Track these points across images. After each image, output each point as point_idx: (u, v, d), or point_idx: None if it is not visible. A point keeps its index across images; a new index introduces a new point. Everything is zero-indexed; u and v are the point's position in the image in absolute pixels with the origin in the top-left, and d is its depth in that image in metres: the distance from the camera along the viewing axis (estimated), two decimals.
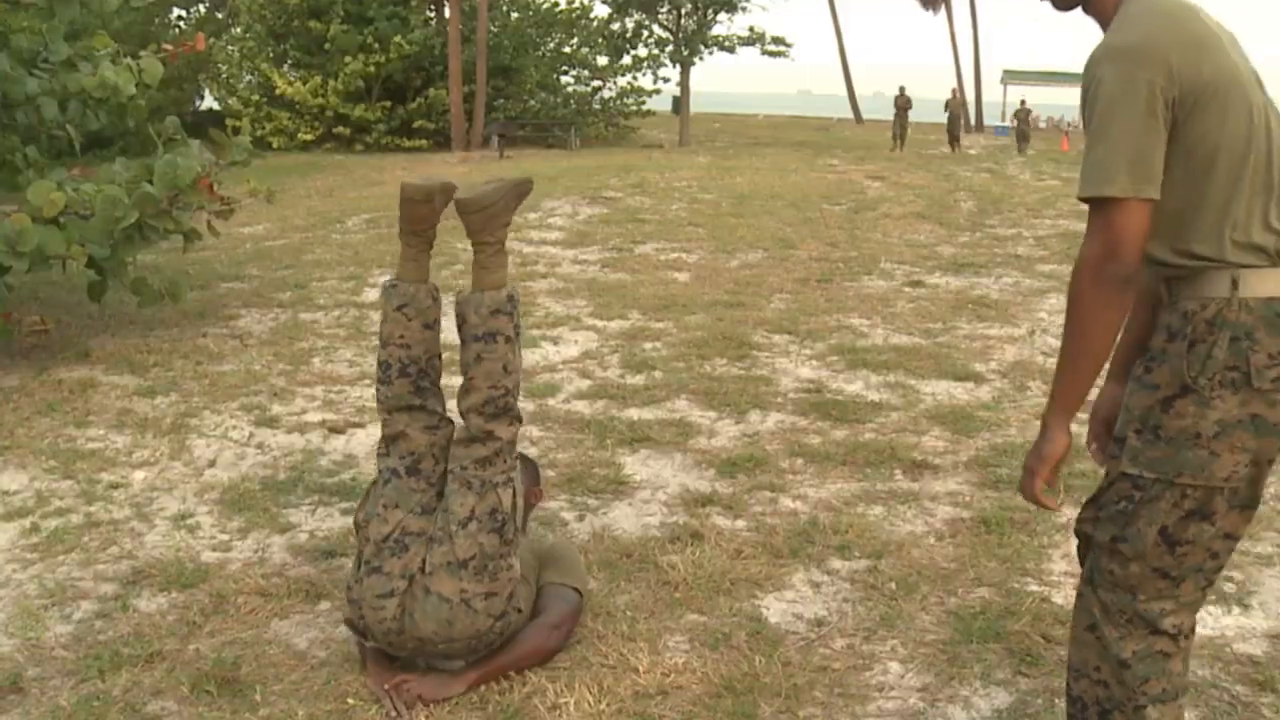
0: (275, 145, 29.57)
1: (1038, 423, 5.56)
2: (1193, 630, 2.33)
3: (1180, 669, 2.30)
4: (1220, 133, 2.10)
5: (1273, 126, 2.15)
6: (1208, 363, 2.13)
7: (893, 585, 3.69)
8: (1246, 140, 2.11)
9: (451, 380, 3.36)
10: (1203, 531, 2.19)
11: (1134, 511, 2.24)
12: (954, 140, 31.09)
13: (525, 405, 5.68)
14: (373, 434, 5.23)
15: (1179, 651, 2.29)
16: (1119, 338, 2.21)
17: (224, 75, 32.06)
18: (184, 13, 37.77)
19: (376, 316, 7.68)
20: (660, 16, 33.35)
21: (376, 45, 29.99)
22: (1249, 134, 2.11)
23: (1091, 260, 2.14)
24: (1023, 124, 35.25)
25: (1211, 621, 3.49)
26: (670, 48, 33.50)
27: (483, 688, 3.02)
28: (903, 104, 31.98)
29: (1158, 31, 2.09)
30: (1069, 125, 48.18)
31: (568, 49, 34.91)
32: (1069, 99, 54.68)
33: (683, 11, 33.08)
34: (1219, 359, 2.12)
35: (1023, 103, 38.36)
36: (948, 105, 32.12)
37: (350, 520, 4.22)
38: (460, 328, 3.13)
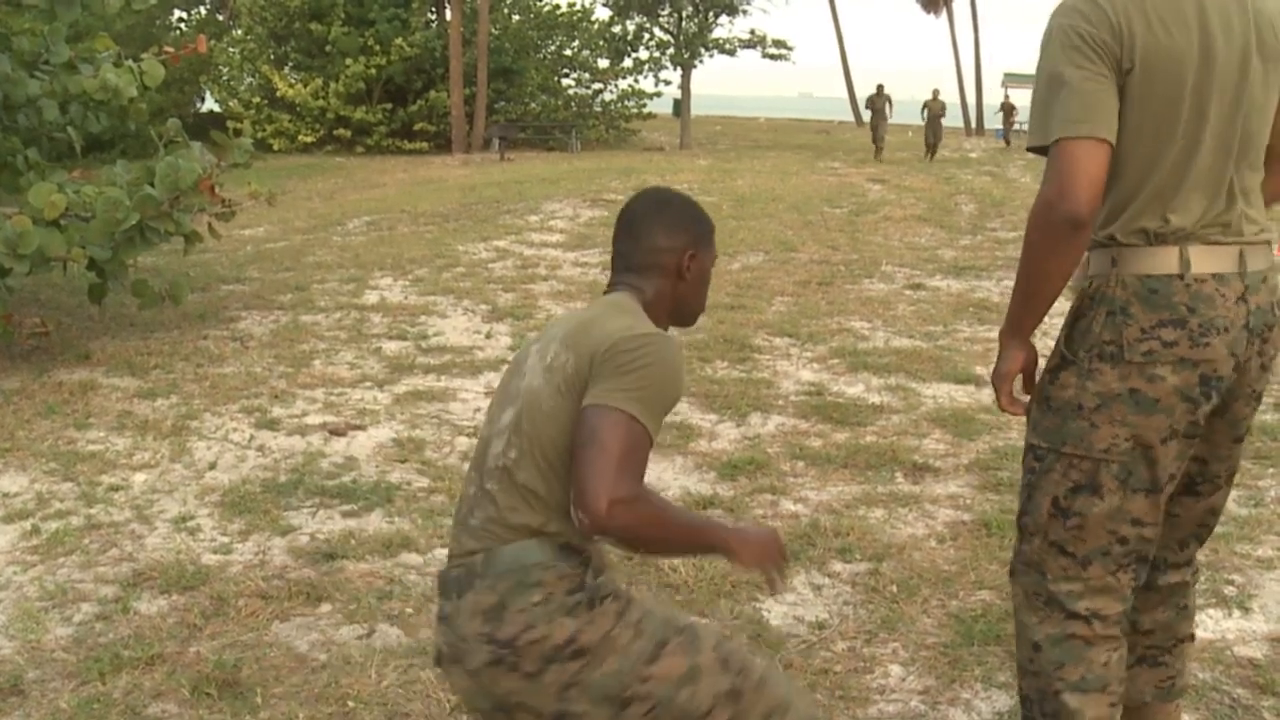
0: (276, 147, 29.59)
1: None
2: (1118, 621, 2.30)
3: (1105, 660, 2.28)
4: (1137, 116, 2.08)
5: (1223, 116, 2.08)
6: (1086, 336, 2.18)
7: (894, 588, 3.69)
8: (1166, 129, 2.08)
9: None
10: (1091, 505, 2.21)
11: (1034, 483, 2.30)
12: (931, 146, 26.85)
13: None
14: (373, 436, 5.24)
15: (1100, 640, 2.28)
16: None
17: (225, 77, 32.08)
18: (185, 15, 37.81)
19: (376, 318, 7.70)
20: (661, 19, 33.36)
21: (377, 47, 30.00)
22: (1170, 123, 2.08)
23: (1042, 202, 2.08)
24: (1006, 121, 35.38)
25: (1212, 624, 3.48)
26: (671, 50, 33.51)
27: None
28: (878, 105, 28.27)
29: None
30: None
31: (569, 51, 34.94)
32: None
33: (684, 14, 33.10)
34: (1095, 333, 2.16)
35: (1006, 98, 38.44)
36: (926, 107, 27.76)
37: (349, 522, 4.22)
38: None
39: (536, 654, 1.96)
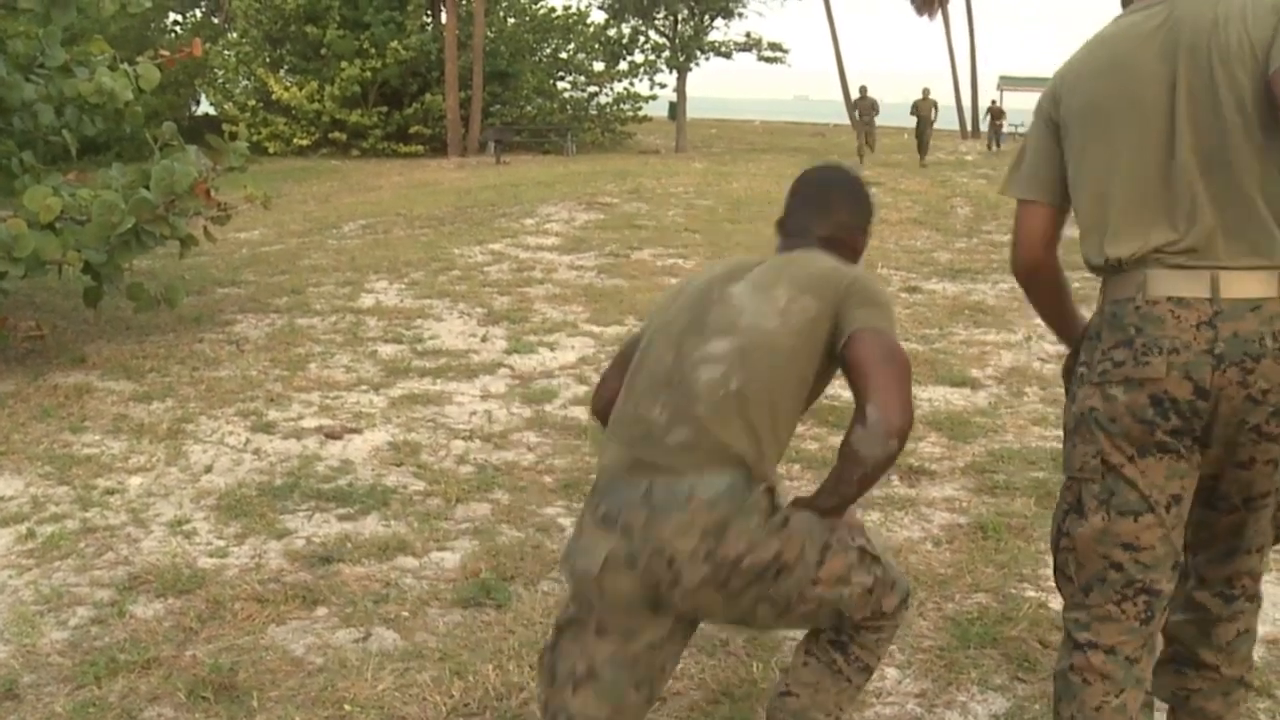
0: (271, 150, 29.57)
1: (1035, 428, 5.60)
2: (1125, 660, 2.23)
3: (1099, 705, 2.23)
4: (1081, 160, 2.25)
5: (1175, 156, 2.12)
6: (1076, 363, 2.31)
7: None
8: (1106, 170, 2.20)
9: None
10: (1077, 526, 2.24)
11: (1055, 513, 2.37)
12: (922, 148, 25.65)
13: (521, 411, 5.69)
14: (369, 439, 5.23)
15: (1097, 680, 2.24)
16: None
17: (220, 80, 32.07)
18: (180, 18, 37.78)
19: (372, 322, 7.70)
20: (657, 22, 33.42)
21: (373, 50, 30.00)
22: (1110, 166, 2.19)
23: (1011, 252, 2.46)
24: (994, 125, 35.13)
25: None
26: (667, 53, 33.57)
27: (478, 694, 3.02)
28: (865, 107, 26.59)
29: (1072, 59, 2.30)
30: None
31: (564, 55, 34.96)
32: None
33: (679, 17, 33.15)
34: (1081, 358, 2.28)
35: (993, 103, 38.30)
36: (916, 108, 26.57)
37: (345, 526, 4.22)
38: None
39: (750, 573, 2.17)
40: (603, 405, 2.52)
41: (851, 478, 2.22)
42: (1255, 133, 2.06)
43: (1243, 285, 2.08)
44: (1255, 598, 2.46)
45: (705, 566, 2.15)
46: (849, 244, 2.48)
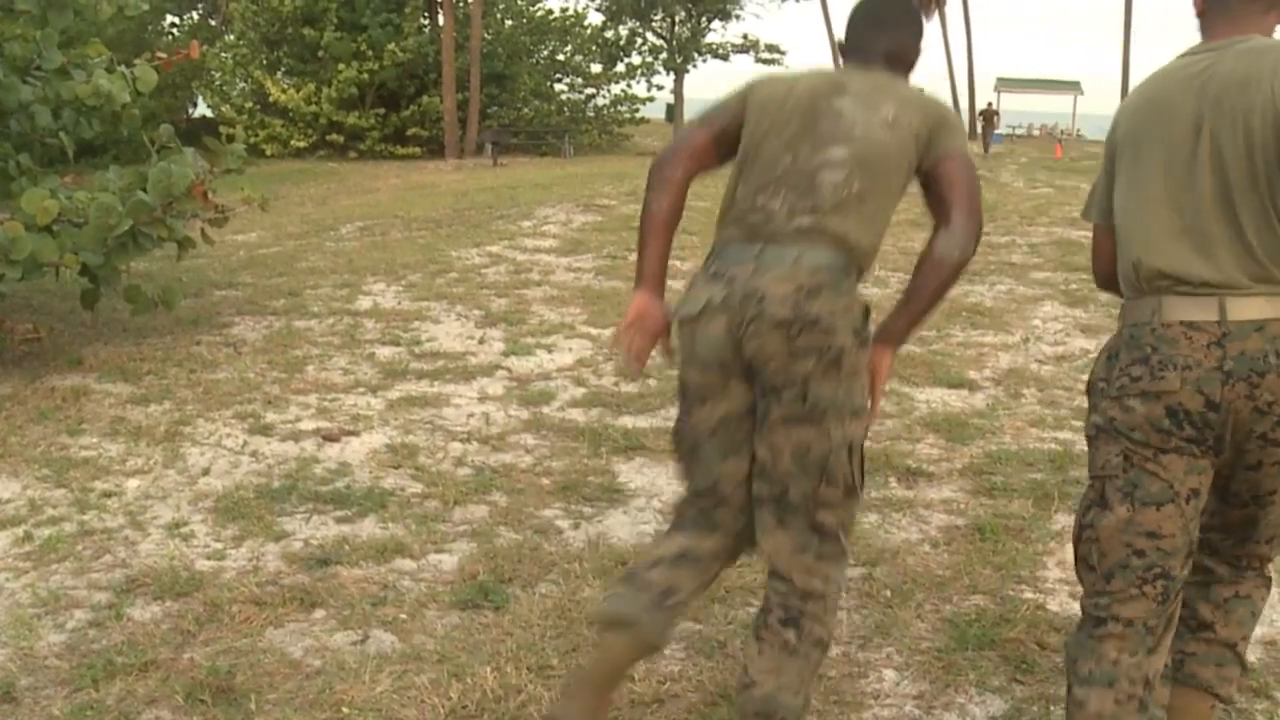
0: (269, 152, 29.60)
1: (1032, 430, 5.61)
2: (1142, 629, 2.38)
3: (1115, 657, 2.38)
4: (1119, 187, 2.47)
5: (1195, 192, 2.31)
6: (1093, 376, 2.49)
7: (888, 593, 3.69)
8: (1134, 202, 2.42)
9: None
10: (1101, 518, 2.40)
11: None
12: None
13: (519, 413, 5.69)
14: (367, 441, 5.23)
15: (1113, 638, 2.39)
16: None
17: (217, 83, 32.09)
18: (178, 20, 37.80)
19: (370, 324, 7.69)
20: (654, 24, 33.46)
21: (370, 52, 30.03)
22: (1136, 196, 2.41)
23: None
24: (986, 128, 34.98)
25: None
26: (664, 55, 33.62)
27: (476, 697, 3.02)
28: None
29: (1132, 91, 2.54)
30: (1062, 133, 48.31)
31: (562, 56, 35.01)
32: (1063, 107, 54.97)
33: (677, 19, 33.20)
34: (1097, 373, 2.46)
35: (988, 105, 38.20)
36: None
37: (343, 528, 4.22)
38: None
39: (817, 335, 2.44)
40: (671, 154, 2.76)
41: (929, 285, 2.57)
42: (1260, 183, 2.25)
43: (1248, 309, 2.26)
44: (1264, 577, 2.64)
45: (787, 310, 2.43)
46: (904, 59, 2.76)
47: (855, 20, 2.77)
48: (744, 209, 2.60)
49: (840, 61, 2.83)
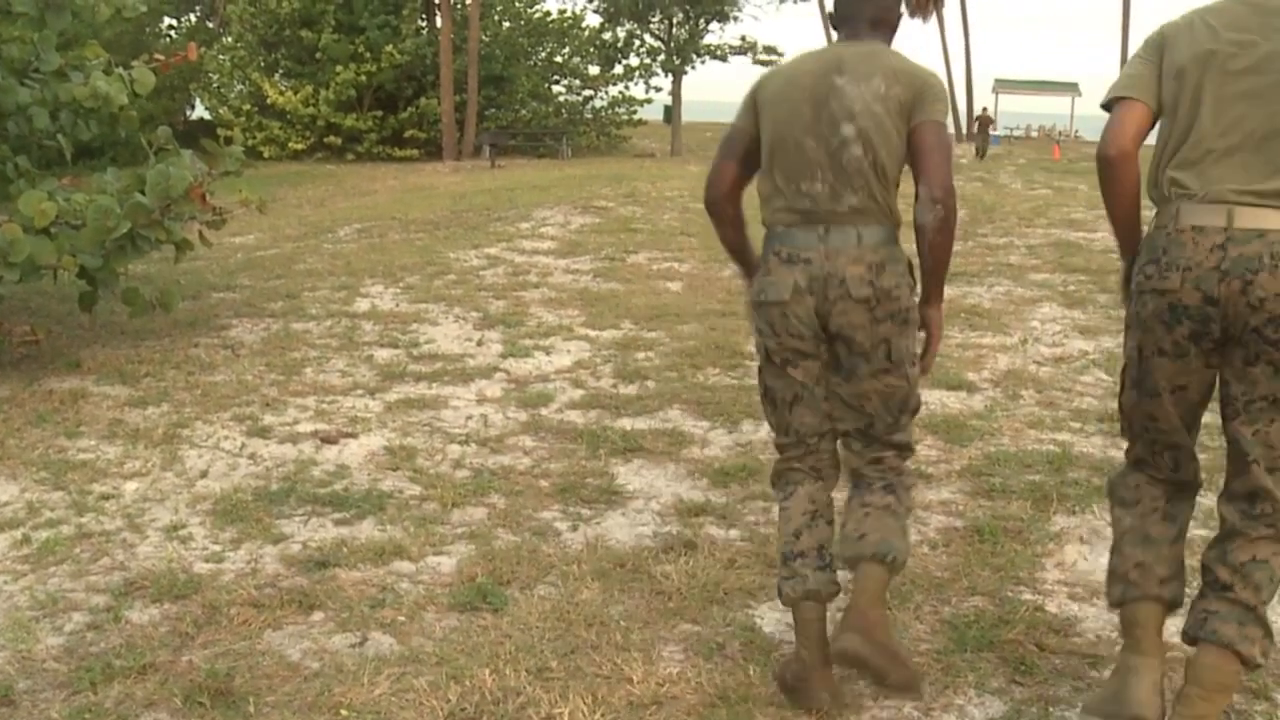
0: (266, 155, 29.60)
1: (1031, 431, 5.60)
2: (1154, 475, 2.93)
3: (1136, 484, 2.95)
4: (1183, 104, 2.71)
5: (1210, 102, 2.66)
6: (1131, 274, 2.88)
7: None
8: (1174, 123, 2.72)
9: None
10: (1123, 395, 2.94)
11: None
12: None
13: (517, 415, 5.69)
14: (365, 443, 5.23)
15: (1133, 471, 2.98)
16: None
17: (215, 85, 32.10)
18: (175, 22, 37.80)
19: (368, 326, 7.69)
20: (652, 26, 33.44)
21: (368, 54, 30.04)
22: (1173, 118, 2.72)
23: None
24: (981, 133, 34.82)
25: None
26: (662, 57, 33.59)
27: (475, 699, 3.02)
28: None
29: (1181, 20, 2.81)
30: (1060, 134, 48.31)
31: (559, 58, 35.00)
32: (1060, 108, 55.01)
33: (674, 21, 33.17)
34: (1133, 273, 2.84)
35: (984, 110, 38.06)
36: None
37: (341, 530, 4.21)
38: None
39: (890, 306, 2.99)
40: (718, 195, 3.24)
41: (924, 249, 2.97)
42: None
43: (1253, 218, 2.58)
44: (1278, 529, 2.74)
45: (866, 289, 2.95)
46: (888, 22, 3.12)
47: None
48: (791, 195, 3.02)
49: (831, 33, 3.02)
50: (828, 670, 2.99)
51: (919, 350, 3.17)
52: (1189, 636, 2.80)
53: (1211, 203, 2.61)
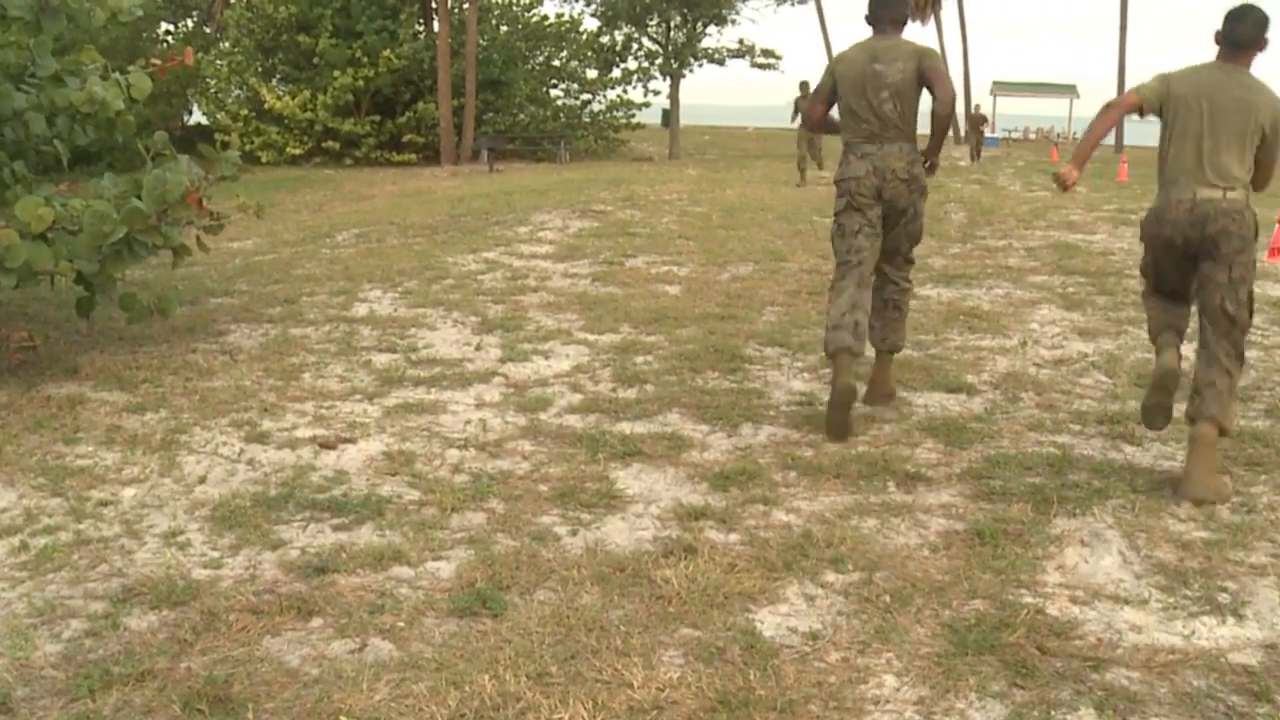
0: (264, 160, 29.58)
1: (1031, 434, 5.60)
2: (1169, 316, 5.00)
3: (1153, 311, 5.03)
4: (1167, 129, 4.82)
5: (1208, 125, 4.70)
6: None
7: (887, 598, 3.68)
8: (1178, 137, 4.77)
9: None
10: (1144, 285, 5.18)
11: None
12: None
13: (516, 420, 5.68)
14: (364, 449, 5.22)
15: (1153, 294, 5.07)
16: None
17: (212, 90, 32.08)
18: (172, 27, 37.81)
19: (366, 331, 7.68)
20: (650, 29, 33.43)
21: (365, 59, 30.02)
22: (1179, 134, 4.77)
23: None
24: (974, 131, 34.57)
25: (1206, 632, 3.48)
26: (660, 60, 33.58)
27: (474, 705, 3.01)
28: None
29: (1182, 71, 4.91)
30: (1059, 136, 48.33)
31: (557, 62, 34.99)
32: (1058, 110, 55.06)
33: (672, 24, 33.17)
34: (1143, 225, 5.03)
35: (977, 108, 37.74)
36: None
37: (340, 536, 4.20)
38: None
39: (918, 184, 5.54)
40: (815, 120, 5.90)
41: (935, 126, 5.47)
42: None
43: (1209, 192, 4.64)
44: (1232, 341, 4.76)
45: (905, 174, 5.48)
46: (902, 20, 5.58)
47: (872, 4, 5.53)
48: (858, 126, 5.53)
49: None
50: (846, 410, 5.36)
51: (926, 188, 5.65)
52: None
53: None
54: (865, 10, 5.56)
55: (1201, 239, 4.62)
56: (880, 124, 5.43)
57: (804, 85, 21.68)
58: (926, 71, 5.36)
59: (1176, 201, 4.65)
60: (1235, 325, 4.64)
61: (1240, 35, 4.63)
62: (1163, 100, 4.70)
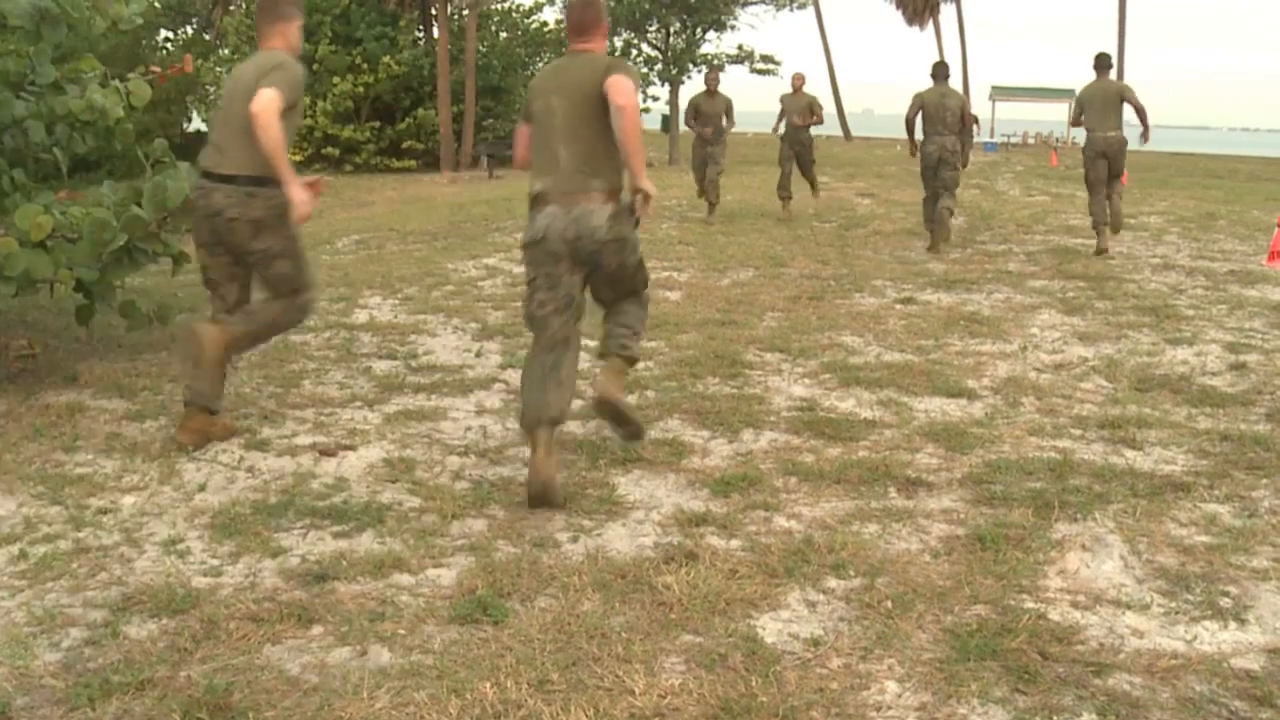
0: None
1: (1031, 438, 5.59)
2: (1101, 211, 11.54)
3: (1094, 180, 11.58)
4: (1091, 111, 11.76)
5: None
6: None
7: (889, 604, 3.67)
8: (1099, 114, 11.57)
9: None
10: (1088, 182, 11.71)
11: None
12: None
13: (516, 426, 5.66)
14: (364, 456, 5.21)
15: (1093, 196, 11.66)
16: None
17: (212, 97, 32.05)
18: (171, 35, 37.84)
19: (366, 338, 7.68)
20: (649, 35, 33.43)
21: (365, 66, 30.04)
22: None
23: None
24: (964, 131, 34.55)
25: (1208, 637, 3.48)
26: (659, 66, 33.58)
27: (475, 712, 3.00)
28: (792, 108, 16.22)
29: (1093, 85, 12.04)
30: (1058, 141, 48.37)
31: None
32: (1058, 115, 55.09)
33: (671, 30, 33.18)
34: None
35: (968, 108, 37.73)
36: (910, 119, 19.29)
37: (340, 543, 4.20)
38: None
39: (951, 149, 12.37)
40: (912, 118, 12.74)
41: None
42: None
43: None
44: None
45: (954, 146, 12.39)
46: (948, 75, 12.68)
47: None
48: (934, 125, 11.92)
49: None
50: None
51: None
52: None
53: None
54: (931, 68, 9.58)
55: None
56: (945, 123, 12.09)
57: (798, 80, 17.67)
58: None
59: (1102, 135, 8.61)
60: None
61: None
62: None
